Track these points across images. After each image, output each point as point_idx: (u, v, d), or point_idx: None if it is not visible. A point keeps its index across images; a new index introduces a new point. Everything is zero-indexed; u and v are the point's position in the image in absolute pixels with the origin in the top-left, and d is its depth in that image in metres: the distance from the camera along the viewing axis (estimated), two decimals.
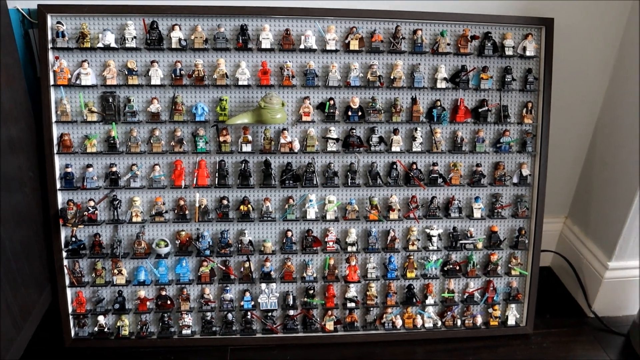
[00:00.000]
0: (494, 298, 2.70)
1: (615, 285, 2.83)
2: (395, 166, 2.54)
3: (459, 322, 2.64)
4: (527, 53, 2.56)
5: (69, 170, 2.36)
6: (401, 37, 2.48)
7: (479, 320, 2.64)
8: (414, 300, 2.59)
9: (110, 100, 2.38)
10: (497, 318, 2.71)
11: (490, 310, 2.73)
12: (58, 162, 2.39)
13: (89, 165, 2.37)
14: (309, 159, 2.45)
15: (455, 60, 2.56)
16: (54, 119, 2.36)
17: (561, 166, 3.04)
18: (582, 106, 2.92)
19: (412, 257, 2.57)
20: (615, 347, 2.69)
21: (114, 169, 2.38)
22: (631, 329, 2.74)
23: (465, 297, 2.65)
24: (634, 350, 2.65)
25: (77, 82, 2.37)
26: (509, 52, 2.55)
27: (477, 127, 2.61)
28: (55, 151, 2.36)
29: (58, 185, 2.37)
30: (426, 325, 2.62)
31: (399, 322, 2.57)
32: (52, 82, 2.37)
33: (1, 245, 2.11)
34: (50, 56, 2.37)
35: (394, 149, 2.52)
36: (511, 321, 2.73)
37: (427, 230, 2.62)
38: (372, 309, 2.58)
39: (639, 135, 2.56)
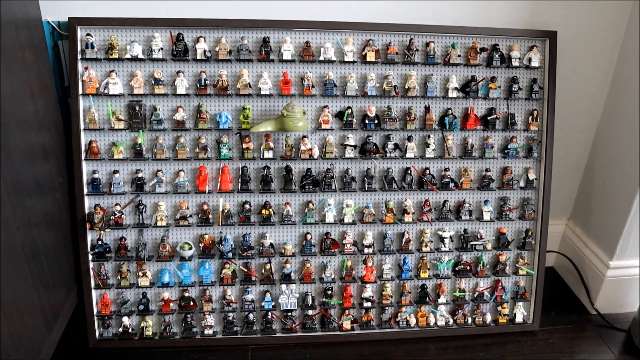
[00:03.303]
0: (503, 297, 2.78)
1: (616, 283, 2.95)
2: (409, 171, 2.54)
3: (469, 320, 2.69)
4: (533, 64, 2.69)
5: (96, 175, 2.38)
6: (415, 49, 2.59)
7: (489, 318, 2.71)
8: (427, 299, 2.64)
9: (137, 109, 2.42)
10: (505, 316, 2.72)
11: (499, 308, 2.79)
12: (86, 168, 2.40)
13: (115, 171, 2.39)
14: (328, 165, 2.49)
15: (466, 70, 2.66)
16: (82, 126, 2.36)
17: (563, 170, 3.17)
18: (584, 113, 3.04)
19: (425, 258, 2.62)
20: (617, 343, 2.79)
21: (139, 175, 2.40)
22: (632, 325, 2.85)
23: (475, 295, 2.70)
24: (634, 345, 2.76)
25: (105, 91, 2.42)
26: (515, 63, 2.67)
27: (486, 134, 2.71)
28: (83, 157, 2.37)
29: (85, 190, 2.39)
30: (439, 323, 2.67)
31: (412, 321, 2.62)
32: (81, 92, 2.42)
33: (35, 246, 2.15)
34: (80, 66, 2.43)
35: (408, 155, 2.59)
36: (519, 319, 2.81)
37: (440, 232, 2.63)
38: (387, 308, 2.62)
39: (639, 140, 2.70)
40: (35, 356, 2.13)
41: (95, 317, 2.47)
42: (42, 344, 2.15)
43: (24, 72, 2.12)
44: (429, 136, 2.62)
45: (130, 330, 2.47)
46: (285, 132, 2.51)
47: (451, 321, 2.68)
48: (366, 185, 2.50)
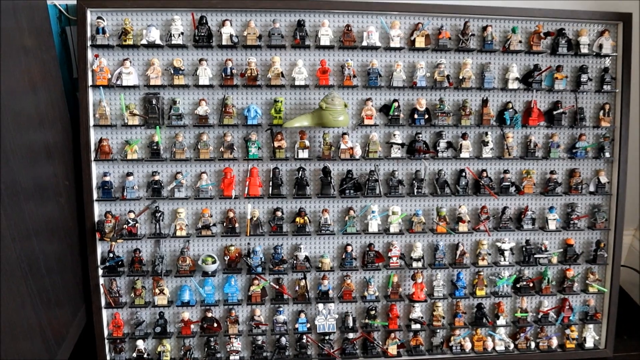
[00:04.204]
0: (570, 318, 2.49)
1: None
2: (464, 174, 2.36)
3: (532, 345, 2.47)
4: (604, 51, 2.39)
5: (107, 179, 2.24)
6: (470, 34, 2.31)
7: (555, 342, 2.47)
8: (485, 320, 2.42)
9: (154, 102, 2.21)
10: (574, 340, 2.50)
11: (566, 331, 2.51)
12: (95, 169, 2.26)
13: (129, 174, 2.24)
14: (372, 166, 2.32)
15: (527, 59, 2.39)
16: (91, 122, 2.22)
17: (635, 172, 2.82)
18: None
19: (482, 273, 2.42)
20: None
21: (156, 178, 2.25)
22: None
23: (539, 317, 2.47)
24: None
25: (118, 82, 2.20)
26: (584, 50, 2.38)
27: (550, 131, 2.43)
28: (92, 158, 2.23)
29: (95, 196, 2.25)
30: (497, 348, 2.46)
31: (467, 345, 2.43)
32: (90, 83, 2.20)
33: (34, 259, 1.90)
34: (89, 54, 2.19)
35: (462, 155, 2.34)
36: (589, 343, 2.51)
37: (498, 244, 2.42)
38: (438, 330, 2.43)
39: None
40: None
41: (106, 341, 2.31)
42: None
43: (23, 59, 1.87)
44: (486, 133, 2.37)
45: (145, 356, 2.31)
46: (323, 127, 2.26)
47: (512, 346, 2.46)
48: (415, 190, 2.33)
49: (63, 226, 2.18)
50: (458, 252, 2.38)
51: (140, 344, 2.29)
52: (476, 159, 2.36)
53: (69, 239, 2.24)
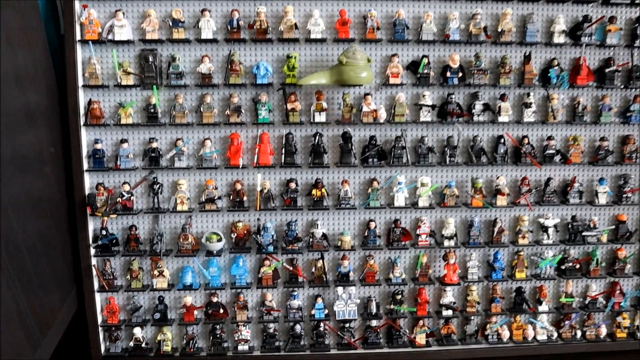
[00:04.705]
0: (622, 304, 2.27)
1: None
2: (502, 140, 2.16)
3: (578, 334, 2.30)
4: None
5: (98, 146, 2.08)
6: None
7: (603, 331, 2.29)
8: (525, 306, 2.24)
9: (151, 60, 2.03)
10: (625, 329, 2.29)
11: (617, 318, 2.30)
12: (86, 136, 2.08)
13: (123, 141, 2.08)
14: (398, 131, 2.13)
15: (576, 9, 2.14)
16: (80, 82, 2.04)
17: None
18: None
19: (522, 253, 2.23)
20: None
21: (154, 145, 2.08)
22: None
23: (586, 302, 2.28)
24: None
25: (110, 37, 2.00)
26: None
27: (601, 92, 2.19)
28: (82, 123, 2.05)
29: (85, 165, 2.08)
30: (539, 337, 2.29)
31: (505, 334, 2.26)
32: (78, 37, 2.00)
33: (12, 237, 1.71)
34: (77, 5, 1.98)
35: (501, 119, 2.14)
36: None
37: (541, 220, 2.21)
38: (472, 317, 2.27)
39: None
40: None
41: (100, 328, 2.19)
42: None
43: None
44: (528, 94, 2.15)
45: (143, 345, 2.18)
46: (343, 86, 2.06)
47: (555, 335, 2.30)
48: (447, 158, 2.15)
49: (48, 200, 2.02)
50: (495, 229, 2.20)
51: (137, 332, 2.16)
52: (516, 123, 2.17)
53: (56, 214, 2.07)
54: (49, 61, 2.03)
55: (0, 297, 1.61)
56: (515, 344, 2.25)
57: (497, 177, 2.16)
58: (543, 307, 2.24)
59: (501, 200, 2.14)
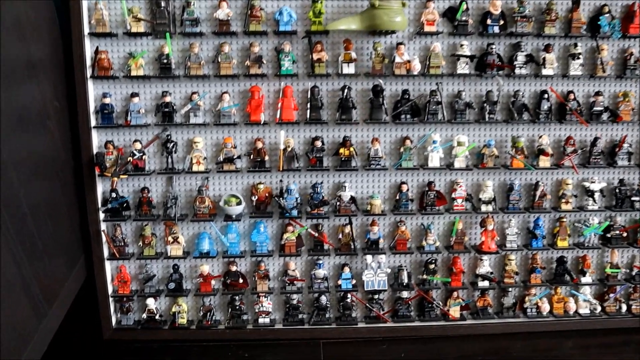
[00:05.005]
0: None
1: None
2: (546, 95, 2.03)
3: (623, 308, 2.20)
4: None
5: (107, 101, 1.97)
6: None
7: None
8: (567, 277, 2.14)
9: (163, 5, 1.91)
10: None
11: None
12: (93, 89, 1.98)
13: (134, 95, 1.98)
14: (433, 84, 2.01)
15: None
16: (86, 30, 1.92)
17: None
18: None
19: (565, 219, 2.12)
20: None
21: (167, 100, 1.98)
22: None
23: (633, 274, 2.19)
24: None
25: None
26: None
27: None
28: (88, 75, 1.95)
29: (93, 122, 1.99)
30: (581, 311, 2.20)
31: (545, 307, 2.17)
32: None
33: (15, 201, 1.61)
34: None
35: (545, 71, 2.02)
36: None
37: (586, 184, 2.11)
38: (510, 289, 2.17)
39: None
40: (17, 354, 1.60)
41: (111, 299, 2.11)
42: (28, 336, 1.69)
43: None
44: (576, 45, 2.02)
45: (157, 317, 2.11)
46: (374, 32, 1.92)
47: (599, 309, 2.20)
48: (486, 115, 2.03)
49: (53, 159, 1.93)
50: (537, 194, 2.09)
51: (150, 303, 2.08)
52: (562, 77, 2.05)
53: (62, 175, 1.98)
54: (51, 8, 1.94)
55: (2, 263, 1.50)
56: (555, 318, 2.15)
57: (540, 136, 2.04)
58: (586, 279, 2.15)
59: (544, 162, 2.01)
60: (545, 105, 2.02)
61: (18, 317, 1.62)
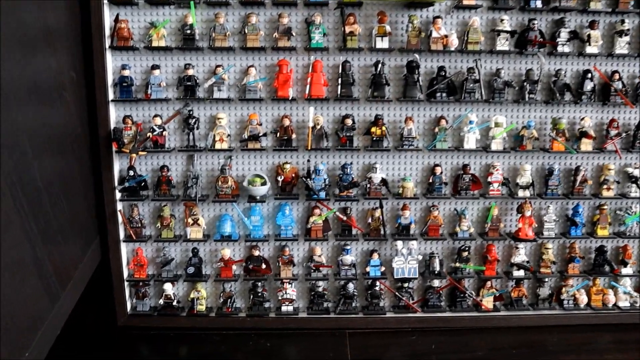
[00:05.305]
0: None
1: None
2: (590, 75, 1.94)
3: None
4: None
5: (126, 73, 1.91)
6: None
7: None
8: (607, 268, 2.07)
9: None
10: None
11: None
12: (112, 61, 1.91)
13: (155, 67, 1.90)
14: (471, 61, 1.92)
15: None
16: None
17: None
18: None
19: (605, 207, 2.06)
20: None
21: (190, 73, 1.91)
22: None
23: None
24: None
25: None
26: None
27: None
28: (107, 45, 1.88)
29: (111, 95, 1.92)
30: (620, 304, 2.13)
31: (583, 299, 2.10)
32: None
33: (30, 178, 1.53)
34: None
35: (589, 49, 1.93)
36: None
37: (629, 170, 2.03)
38: (547, 279, 2.10)
39: None
40: (29, 338, 1.52)
41: (126, 283, 2.05)
42: (40, 319, 1.61)
43: None
44: (623, 21, 1.93)
45: (175, 303, 2.05)
46: (411, 2, 1.84)
47: (639, 302, 2.13)
48: (526, 95, 1.96)
49: (69, 134, 1.83)
50: (578, 179, 2.00)
51: (168, 288, 2.02)
52: (607, 56, 1.96)
53: (77, 151, 1.90)
54: None
55: (16, 240, 1.42)
56: (593, 310, 2.08)
57: (582, 118, 1.96)
58: (627, 270, 2.09)
59: (585, 145, 1.93)
60: (588, 86, 1.94)
61: (30, 299, 1.54)
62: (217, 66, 1.87)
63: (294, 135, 1.91)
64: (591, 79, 1.93)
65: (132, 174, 1.89)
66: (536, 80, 1.91)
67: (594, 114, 1.97)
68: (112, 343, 1.94)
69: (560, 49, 1.88)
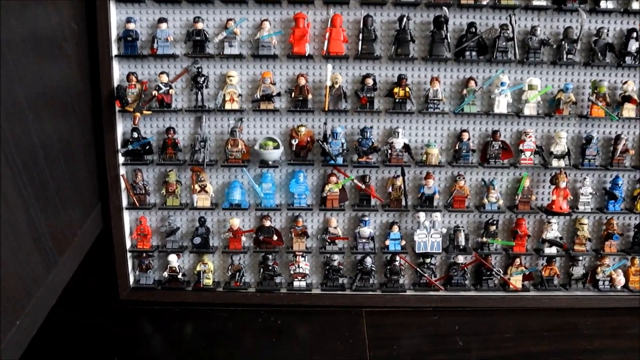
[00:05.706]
0: None
1: None
2: (635, 34, 1.81)
3: None
4: None
5: (131, 26, 1.81)
6: None
7: None
8: None
9: None
10: None
11: None
12: (116, 13, 1.83)
13: (161, 20, 1.81)
14: (504, 17, 1.80)
15: None
16: None
17: None
18: None
19: None
20: None
21: (199, 26, 1.81)
22: None
23: None
24: None
25: None
26: None
27: None
28: None
29: (115, 50, 1.82)
30: None
31: (620, 280, 1.98)
32: None
33: (27, 138, 1.46)
34: None
35: (635, 5, 1.82)
36: None
37: None
38: (581, 258, 1.99)
39: None
40: (22, 304, 1.43)
41: (129, 254, 1.98)
42: (34, 284, 1.53)
43: None
44: None
45: (180, 276, 1.97)
46: None
47: None
48: (564, 55, 1.83)
49: (67, 90, 1.74)
50: (618, 148, 1.89)
51: (173, 260, 1.94)
52: None
53: (78, 109, 1.81)
54: None
55: (10, 203, 1.37)
56: (631, 292, 1.98)
57: (625, 82, 1.82)
58: None
59: (628, 111, 1.80)
60: (633, 46, 1.82)
61: (24, 264, 1.46)
62: (229, 20, 1.78)
63: (310, 96, 1.82)
64: (636, 39, 1.81)
65: (136, 136, 1.80)
66: (575, 39, 1.79)
67: (639, 77, 1.83)
68: (114, 318, 1.87)
69: (602, 4, 1.76)
